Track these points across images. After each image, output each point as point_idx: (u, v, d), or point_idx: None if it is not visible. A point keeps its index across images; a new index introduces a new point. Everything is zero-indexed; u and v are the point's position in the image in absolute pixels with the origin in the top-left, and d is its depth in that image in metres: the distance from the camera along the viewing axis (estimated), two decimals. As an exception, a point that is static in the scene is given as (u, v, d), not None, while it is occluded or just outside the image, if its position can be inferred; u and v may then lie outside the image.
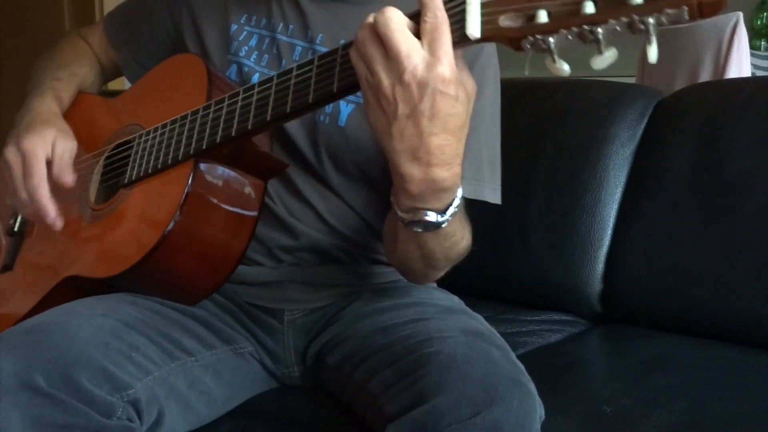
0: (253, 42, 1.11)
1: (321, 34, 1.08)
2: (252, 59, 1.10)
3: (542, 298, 1.53)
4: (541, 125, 1.58)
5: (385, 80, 0.76)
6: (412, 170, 0.79)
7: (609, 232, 1.48)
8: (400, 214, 0.86)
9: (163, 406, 0.95)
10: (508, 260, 1.54)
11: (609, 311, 1.49)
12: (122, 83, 2.42)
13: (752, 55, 2.96)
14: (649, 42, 0.68)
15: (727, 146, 1.39)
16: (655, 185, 1.45)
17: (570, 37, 0.70)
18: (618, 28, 0.68)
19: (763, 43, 3.77)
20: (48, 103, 1.15)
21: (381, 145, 0.81)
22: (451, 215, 0.85)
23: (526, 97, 1.63)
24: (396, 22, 0.75)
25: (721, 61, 2.78)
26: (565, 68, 0.73)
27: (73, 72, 1.23)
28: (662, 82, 2.90)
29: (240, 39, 1.11)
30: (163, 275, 1.00)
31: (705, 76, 2.82)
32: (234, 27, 1.12)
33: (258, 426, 1.06)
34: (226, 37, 1.12)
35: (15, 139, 1.09)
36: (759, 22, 3.80)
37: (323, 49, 1.06)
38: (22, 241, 1.20)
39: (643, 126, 1.52)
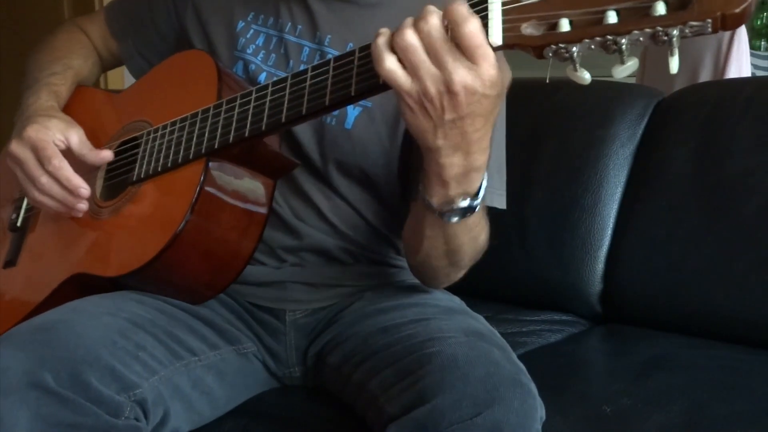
0: (260, 41, 1.10)
1: (329, 36, 1.08)
2: (259, 58, 1.10)
3: (542, 298, 1.53)
4: (541, 125, 1.58)
5: (432, 88, 0.76)
6: (452, 160, 0.82)
7: (609, 232, 1.48)
8: (435, 205, 0.87)
9: (168, 406, 0.95)
10: (508, 260, 1.54)
11: (609, 311, 1.49)
12: (121, 83, 2.40)
13: (752, 55, 2.96)
14: (671, 54, 0.68)
15: (727, 146, 1.39)
16: (655, 185, 1.45)
17: (593, 46, 0.70)
18: (641, 39, 0.68)
19: (763, 43, 3.78)
20: (45, 99, 1.14)
21: (420, 143, 0.82)
22: (482, 198, 0.87)
23: (526, 97, 1.63)
24: (440, 30, 0.75)
25: (721, 61, 2.78)
26: (586, 77, 0.73)
27: (67, 65, 1.22)
28: (662, 82, 2.90)
29: (247, 37, 1.11)
30: (173, 274, 1.00)
31: (705, 76, 2.82)
32: (241, 24, 1.12)
33: (259, 426, 1.06)
34: (233, 34, 1.11)
35: (17, 133, 1.07)
36: (759, 22, 3.80)
37: (332, 51, 1.06)
38: (25, 236, 1.19)
39: (643, 126, 1.52)
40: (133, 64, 1.26)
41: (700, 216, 1.38)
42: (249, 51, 1.10)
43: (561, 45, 0.71)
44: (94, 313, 0.95)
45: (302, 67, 1.06)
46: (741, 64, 2.77)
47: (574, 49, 0.71)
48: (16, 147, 1.06)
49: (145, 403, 0.90)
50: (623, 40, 0.69)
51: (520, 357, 0.95)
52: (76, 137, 1.08)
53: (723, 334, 1.34)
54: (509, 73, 0.81)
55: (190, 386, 1.00)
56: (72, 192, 1.04)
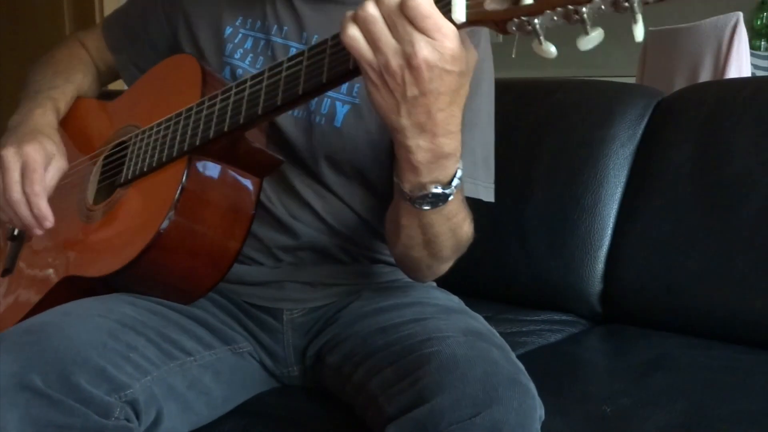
0: (248, 44, 1.11)
1: (316, 36, 1.08)
2: (247, 62, 1.10)
3: (542, 298, 1.53)
4: (541, 125, 1.58)
5: (393, 61, 0.76)
6: (418, 142, 0.81)
7: (609, 232, 1.48)
8: (406, 191, 0.87)
9: (162, 407, 0.95)
10: (508, 260, 1.54)
11: (609, 311, 1.49)
12: (122, 84, 2.42)
13: (752, 55, 2.96)
14: (634, 21, 0.68)
15: (727, 146, 1.39)
16: (655, 185, 1.45)
17: (555, 18, 0.70)
18: (603, 6, 0.68)
19: (763, 43, 3.78)
20: (48, 115, 1.17)
21: (386, 122, 0.82)
22: (455, 186, 0.86)
23: (526, 97, 1.63)
24: (399, 3, 0.75)
25: (721, 61, 2.78)
26: (551, 50, 0.73)
27: (68, 79, 1.24)
28: (662, 82, 2.90)
29: (235, 42, 1.12)
30: (159, 273, 1.00)
31: (705, 76, 2.82)
32: (229, 30, 1.12)
33: (258, 426, 1.06)
34: (221, 39, 1.12)
35: (15, 142, 1.09)
36: (759, 22, 3.81)
37: None
38: (22, 245, 1.21)
39: (643, 126, 1.52)
40: (128, 75, 1.28)
41: (700, 216, 1.38)
42: (237, 56, 1.11)
43: (524, 18, 0.71)
44: (84, 315, 0.96)
45: None
46: (741, 64, 2.77)
47: (536, 21, 0.71)
48: (10, 155, 1.08)
49: (137, 403, 0.90)
50: (584, 9, 0.69)
51: (519, 357, 0.95)
52: (53, 172, 1.10)
53: (723, 334, 1.34)
54: (475, 54, 0.81)
55: (185, 386, 1.00)
56: (38, 220, 1.08)
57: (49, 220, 1.08)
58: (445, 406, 0.83)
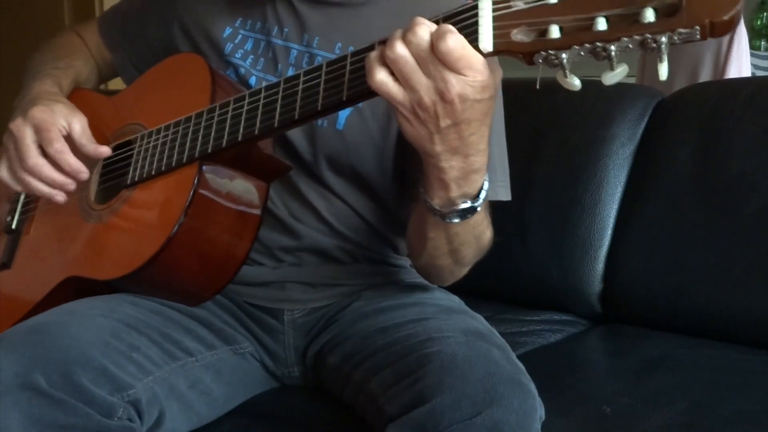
0: (248, 46, 1.11)
1: (317, 38, 1.07)
2: (248, 62, 1.10)
3: (542, 298, 1.53)
4: (541, 125, 1.58)
5: (426, 98, 0.77)
6: (451, 163, 0.83)
7: (609, 232, 1.48)
8: (436, 208, 0.88)
9: (164, 407, 0.95)
10: (508, 260, 1.54)
11: (609, 311, 1.49)
12: (121, 83, 2.40)
13: (752, 55, 2.96)
14: (660, 60, 0.68)
15: (727, 146, 1.39)
16: (655, 185, 1.45)
17: (582, 53, 0.71)
18: (630, 46, 0.69)
19: (763, 43, 3.78)
20: (49, 86, 1.14)
21: (418, 149, 0.83)
22: (483, 199, 0.88)
23: (526, 97, 1.63)
24: (428, 41, 0.76)
25: (721, 61, 2.78)
26: (576, 83, 0.74)
27: (69, 64, 1.22)
28: (662, 82, 2.89)
29: (235, 42, 1.11)
30: (167, 277, 1.00)
31: (705, 76, 2.82)
32: (228, 30, 1.12)
33: (258, 426, 1.06)
34: (220, 40, 1.12)
35: (20, 113, 1.06)
36: (759, 22, 3.80)
37: (320, 53, 1.06)
38: (20, 238, 1.19)
39: (643, 126, 1.52)
40: (127, 74, 1.27)
41: (700, 216, 1.38)
42: (237, 56, 1.10)
43: (551, 51, 0.72)
44: (87, 314, 0.96)
45: (290, 70, 1.07)
46: (741, 64, 2.77)
47: (564, 55, 0.72)
48: (18, 124, 1.05)
49: (139, 403, 0.90)
50: (612, 47, 0.69)
51: (520, 357, 0.95)
52: (78, 125, 1.07)
53: (723, 334, 1.34)
54: (500, 71, 0.82)
55: (187, 386, 1.00)
56: (71, 176, 1.04)
57: (84, 172, 1.04)
58: (445, 406, 0.83)
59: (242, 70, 1.09)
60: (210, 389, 1.04)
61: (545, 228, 1.52)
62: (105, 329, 0.93)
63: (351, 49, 1.04)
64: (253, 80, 1.08)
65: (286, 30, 1.09)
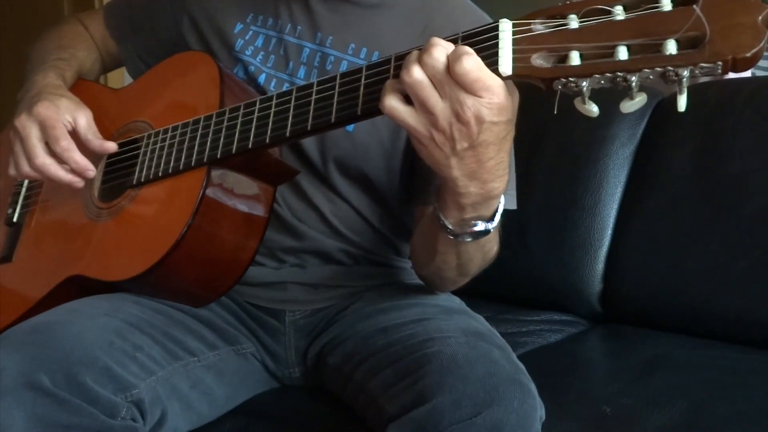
0: (259, 42, 1.10)
1: (331, 37, 1.07)
2: (258, 59, 1.09)
3: (542, 298, 1.53)
4: (541, 125, 1.58)
5: (442, 121, 0.76)
6: (469, 189, 0.83)
7: (609, 232, 1.48)
8: (450, 227, 0.88)
9: (166, 407, 0.95)
10: (508, 260, 1.52)
11: (609, 311, 1.49)
12: (122, 81, 2.39)
13: (752, 55, 2.95)
14: (680, 92, 0.68)
15: (727, 146, 1.39)
16: (655, 185, 1.45)
17: (603, 81, 0.70)
18: (651, 77, 0.68)
19: (763, 43, 3.77)
20: (53, 78, 1.13)
21: (437, 173, 0.83)
22: (497, 221, 0.88)
23: (526, 97, 1.63)
24: (444, 63, 0.75)
25: (721, 61, 2.77)
26: (594, 110, 0.72)
27: (73, 54, 1.21)
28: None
29: (246, 38, 1.10)
30: (174, 279, 1.00)
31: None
32: (239, 26, 1.11)
33: (258, 426, 1.06)
34: (230, 35, 1.11)
35: (25, 109, 1.05)
36: (759, 22, 3.80)
37: (333, 52, 1.06)
38: (21, 231, 1.18)
39: (643, 126, 1.52)
40: (133, 66, 1.26)
41: (700, 216, 1.38)
42: (248, 52, 1.09)
43: (571, 78, 0.71)
44: (91, 314, 0.95)
45: (301, 69, 1.06)
46: (741, 64, 2.76)
47: (584, 83, 0.71)
48: (22, 121, 1.04)
49: (142, 403, 0.90)
50: (633, 78, 0.68)
51: (520, 357, 0.95)
52: (84, 120, 1.06)
53: (723, 334, 1.34)
54: (517, 94, 0.81)
55: (189, 386, 1.00)
56: (79, 174, 1.04)
57: (91, 169, 1.03)
58: (445, 406, 0.83)
59: (252, 68, 1.08)
60: (211, 389, 1.04)
61: (545, 228, 1.52)
62: (109, 329, 0.93)
63: (364, 51, 1.04)
64: (262, 78, 1.08)
65: (299, 27, 1.08)
